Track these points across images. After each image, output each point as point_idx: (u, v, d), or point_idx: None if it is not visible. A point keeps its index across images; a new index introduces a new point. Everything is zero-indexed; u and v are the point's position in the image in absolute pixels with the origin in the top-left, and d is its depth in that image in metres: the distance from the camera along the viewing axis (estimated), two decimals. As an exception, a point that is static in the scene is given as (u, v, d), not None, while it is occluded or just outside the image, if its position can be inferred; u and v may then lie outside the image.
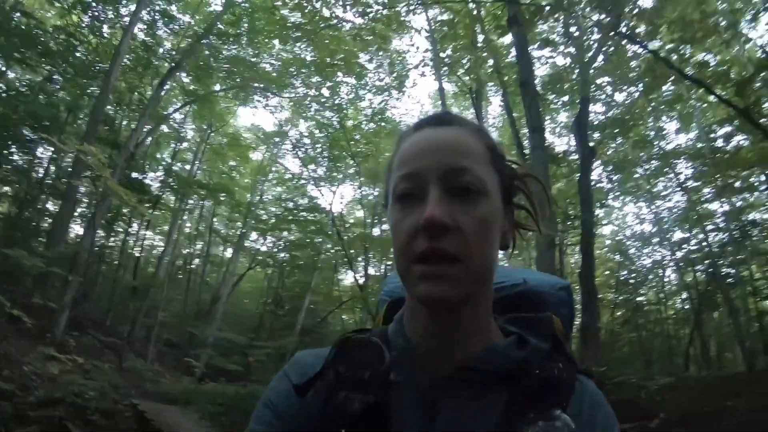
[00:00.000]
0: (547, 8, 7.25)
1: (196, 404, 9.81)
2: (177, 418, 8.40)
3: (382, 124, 17.31)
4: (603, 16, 7.39)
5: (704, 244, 13.59)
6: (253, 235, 22.80)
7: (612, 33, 7.50)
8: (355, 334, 0.74)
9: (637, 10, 7.30)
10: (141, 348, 15.16)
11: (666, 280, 17.30)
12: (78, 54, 13.89)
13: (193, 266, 23.69)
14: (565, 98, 11.43)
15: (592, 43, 8.80)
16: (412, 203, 0.66)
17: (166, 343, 17.97)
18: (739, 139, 10.89)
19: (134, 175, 15.71)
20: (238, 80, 16.81)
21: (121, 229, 18.93)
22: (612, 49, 8.14)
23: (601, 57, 8.47)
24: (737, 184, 11.68)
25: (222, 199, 20.73)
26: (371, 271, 18.10)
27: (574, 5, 7.50)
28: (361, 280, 16.37)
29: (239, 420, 8.54)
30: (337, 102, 17.10)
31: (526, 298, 0.81)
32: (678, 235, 15.51)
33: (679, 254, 15.29)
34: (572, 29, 9.07)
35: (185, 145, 21.49)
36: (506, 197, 0.72)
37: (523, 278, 0.84)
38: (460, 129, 0.71)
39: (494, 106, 17.85)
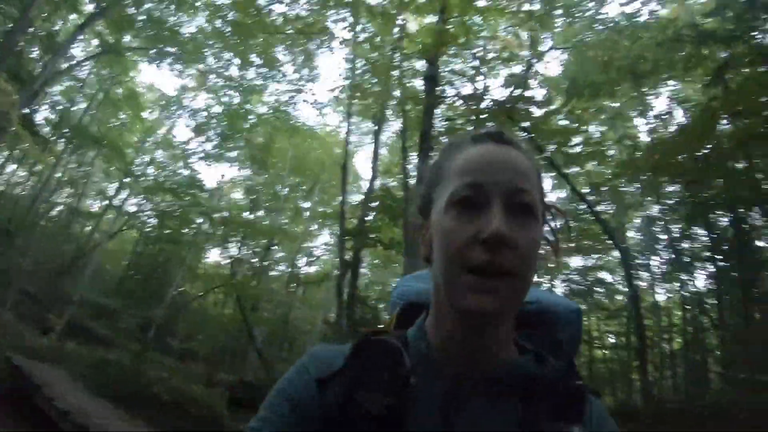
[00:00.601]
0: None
1: (65, 364, 9.90)
2: (55, 376, 8.39)
3: (286, 116, 17.85)
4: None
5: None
6: (132, 197, 22.22)
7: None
8: (374, 335, 0.75)
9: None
10: (-3, 296, 14.43)
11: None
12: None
13: (59, 214, 22.42)
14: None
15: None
16: (471, 213, 0.67)
17: (23, 293, 17.13)
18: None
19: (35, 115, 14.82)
20: (152, 35, 16.49)
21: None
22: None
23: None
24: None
25: (106, 152, 19.97)
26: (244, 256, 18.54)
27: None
28: (226, 262, 16.65)
29: (106, 382, 8.86)
30: (242, 84, 17.43)
31: (537, 317, 0.82)
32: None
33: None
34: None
35: (86, 91, 20.36)
36: (542, 218, 0.75)
37: (537, 297, 0.84)
38: (519, 151, 0.73)
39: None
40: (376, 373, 0.69)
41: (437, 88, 9.00)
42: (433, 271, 0.74)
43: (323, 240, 24.80)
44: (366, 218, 11.93)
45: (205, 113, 19.49)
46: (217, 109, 18.92)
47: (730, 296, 12.83)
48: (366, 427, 0.65)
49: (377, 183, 12.64)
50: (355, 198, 14.20)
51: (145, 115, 22.27)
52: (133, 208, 22.42)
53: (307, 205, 23.66)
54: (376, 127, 13.02)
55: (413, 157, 11.76)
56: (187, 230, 20.68)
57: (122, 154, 20.19)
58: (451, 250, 0.67)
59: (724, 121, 9.33)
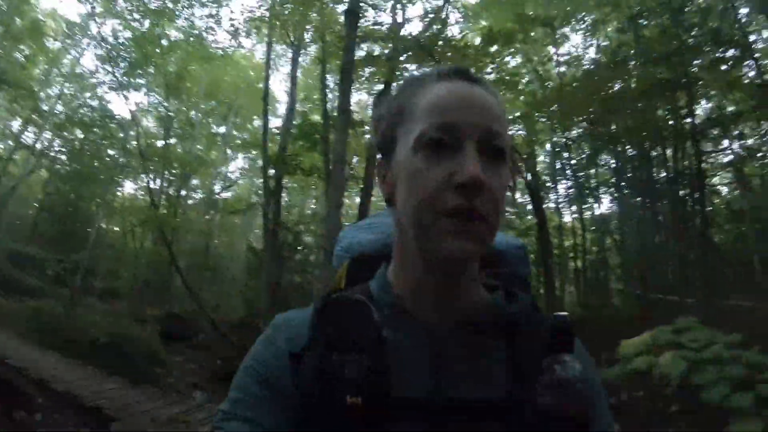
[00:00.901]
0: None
1: (3, 320, 9.66)
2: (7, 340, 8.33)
3: (200, 42, 16.93)
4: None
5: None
6: (40, 135, 20.60)
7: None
8: (336, 294, 0.72)
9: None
10: None
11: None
12: None
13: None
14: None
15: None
16: (442, 155, 0.64)
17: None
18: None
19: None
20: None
21: None
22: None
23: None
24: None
25: (9, 89, 18.23)
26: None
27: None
28: (143, 194, 16.21)
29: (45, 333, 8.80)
30: (153, 8, 16.29)
31: (488, 256, 0.79)
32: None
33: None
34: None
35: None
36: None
37: None
38: (489, 91, 0.70)
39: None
40: (347, 333, 0.65)
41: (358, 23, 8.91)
42: (397, 215, 0.70)
43: (239, 165, 24.46)
44: (285, 146, 11.92)
45: (113, 40, 18.07)
46: (127, 35, 17.60)
47: (631, 220, 14.11)
48: (349, 394, 0.60)
49: (296, 108, 12.53)
50: (274, 123, 13.95)
51: (49, 44, 20.32)
52: (41, 146, 20.91)
53: (222, 129, 23.06)
54: (293, 55, 12.72)
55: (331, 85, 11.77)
56: (98, 164, 19.72)
57: (29, 89, 18.50)
58: (422, 194, 0.64)
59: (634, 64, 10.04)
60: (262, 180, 12.33)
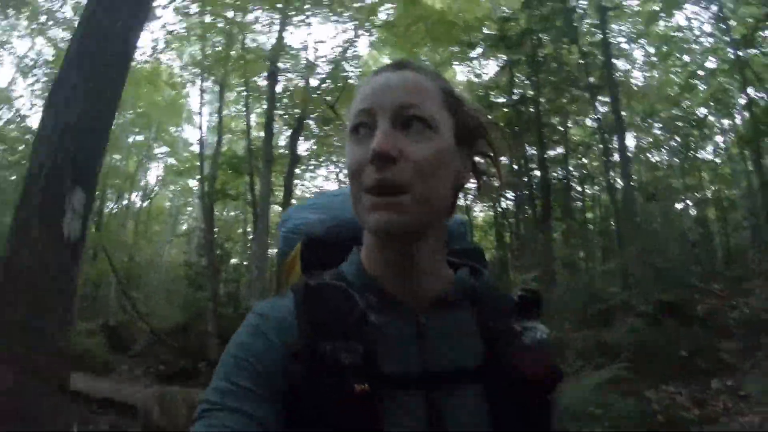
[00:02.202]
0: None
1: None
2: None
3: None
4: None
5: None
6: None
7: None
8: (315, 281, 0.72)
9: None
10: None
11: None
12: None
13: None
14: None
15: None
16: (364, 137, 0.68)
17: None
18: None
19: None
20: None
21: None
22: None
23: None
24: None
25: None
26: None
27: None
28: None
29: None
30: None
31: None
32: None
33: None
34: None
35: None
36: (463, 140, 0.74)
37: None
38: (416, 72, 0.73)
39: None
40: (335, 322, 0.66)
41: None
42: None
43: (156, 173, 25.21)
44: (216, 176, 13.75)
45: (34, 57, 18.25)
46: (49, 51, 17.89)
47: (526, 215, 16.51)
48: (344, 378, 0.61)
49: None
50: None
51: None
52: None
53: (140, 138, 23.51)
54: (219, 91, 14.46)
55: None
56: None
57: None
58: (350, 174, 0.69)
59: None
60: (198, 201, 13.74)
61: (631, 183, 11.35)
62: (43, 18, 17.00)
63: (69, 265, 3.38)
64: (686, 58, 14.21)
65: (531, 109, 11.99)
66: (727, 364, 5.82)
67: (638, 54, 14.97)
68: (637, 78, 15.67)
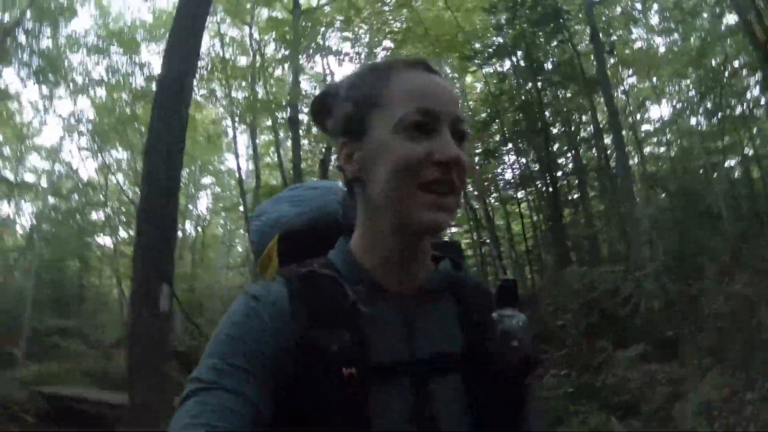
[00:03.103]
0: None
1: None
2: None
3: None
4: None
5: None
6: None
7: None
8: (307, 270, 0.74)
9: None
10: None
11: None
12: None
13: None
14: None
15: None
16: (422, 136, 0.71)
17: None
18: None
19: None
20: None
21: None
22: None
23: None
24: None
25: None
26: None
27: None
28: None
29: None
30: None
31: None
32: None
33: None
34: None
35: None
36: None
37: None
38: (448, 82, 0.79)
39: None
40: (327, 310, 0.68)
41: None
42: (368, 192, 0.75)
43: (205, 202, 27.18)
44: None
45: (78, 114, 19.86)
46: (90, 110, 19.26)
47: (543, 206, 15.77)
48: (333, 365, 0.64)
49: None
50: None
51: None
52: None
53: (186, 171, 24.75)
54: (251, 134, 16.11)
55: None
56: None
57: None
58: (402, 170, 0.70)
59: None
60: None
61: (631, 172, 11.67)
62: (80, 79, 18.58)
63: (165, 327, 5.34)
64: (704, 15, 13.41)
65: (535, 110, 12.81)
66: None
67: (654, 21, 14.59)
68: (658, 43, 15.32)
